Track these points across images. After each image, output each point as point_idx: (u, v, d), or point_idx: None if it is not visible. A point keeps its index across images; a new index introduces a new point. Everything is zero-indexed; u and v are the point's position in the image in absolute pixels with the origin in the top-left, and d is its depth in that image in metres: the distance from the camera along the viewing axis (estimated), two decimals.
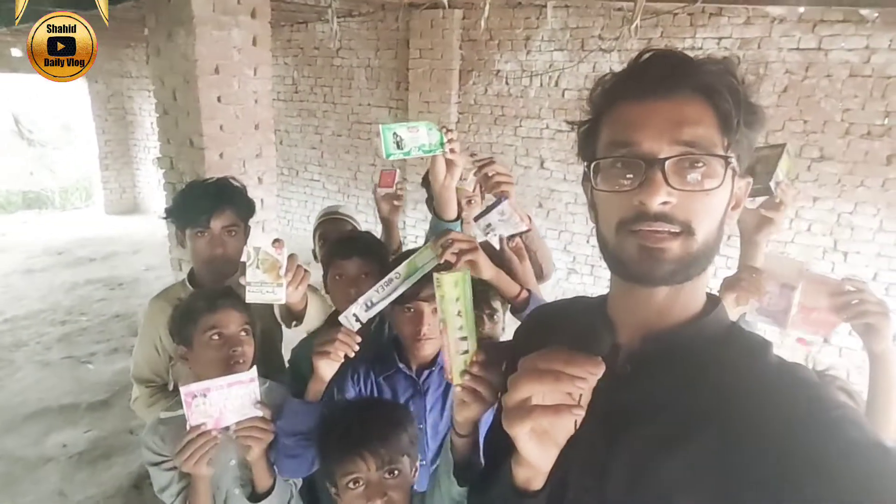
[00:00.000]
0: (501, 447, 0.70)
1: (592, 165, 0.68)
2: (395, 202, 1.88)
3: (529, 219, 1.73)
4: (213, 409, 1.16)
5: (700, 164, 0.62)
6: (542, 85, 5.32)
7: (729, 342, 0.69)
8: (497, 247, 1.63)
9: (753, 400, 0.61)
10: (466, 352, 0.88)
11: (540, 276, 1.79)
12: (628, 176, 0.63)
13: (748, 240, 1.35)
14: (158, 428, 1.35)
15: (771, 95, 4.25)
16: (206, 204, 1.62)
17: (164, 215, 1.74)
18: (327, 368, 1.23)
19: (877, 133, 4.00)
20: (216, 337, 1.33)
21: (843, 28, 3.94)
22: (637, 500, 0.64)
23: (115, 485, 3.07)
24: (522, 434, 0.61)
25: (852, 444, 0.55)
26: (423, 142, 1.35)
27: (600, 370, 0.57)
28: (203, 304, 1.34)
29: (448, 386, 1.38)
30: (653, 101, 0.63)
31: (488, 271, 1.28)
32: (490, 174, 1.54)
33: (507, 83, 5.51)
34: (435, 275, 0.91)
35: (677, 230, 0.62)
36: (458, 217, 1.55)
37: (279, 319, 1.56)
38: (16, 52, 7.23)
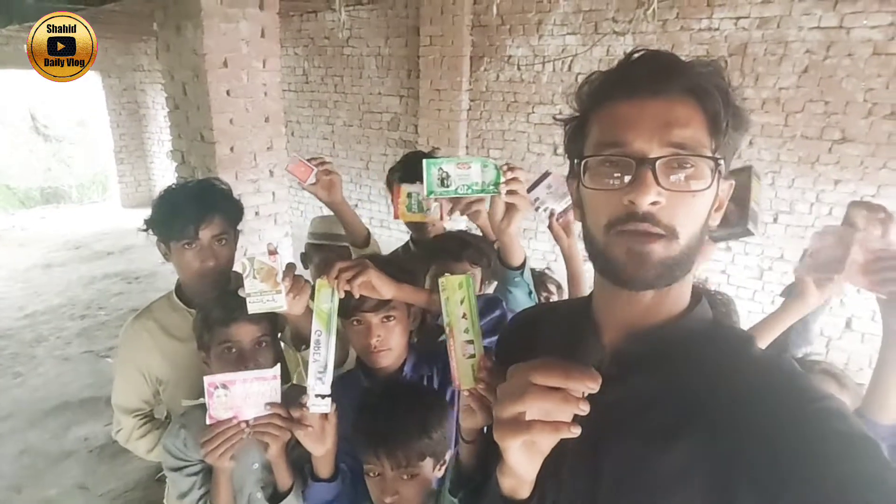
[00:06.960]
0: (491, 456, 0.71)
1: (581, 163, 0.68)
2: (326, 176, 1.56)
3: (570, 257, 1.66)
4: (233, 402, 1.17)
5: (689, 165, 0.62)
6: (554, 70, 5.22)
7: (712, 338, 0.70)
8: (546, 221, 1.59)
9: (739, 395, 0.62)
10: (473, 356, 0.86)
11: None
12: (617, 175, 0.63)
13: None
14: (180, 432, 1.34)
15: (791, 76, 4.13)
16: (193, 213, 1.46)
17: (144, 227, 1.55)
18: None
19: None
20: (229, 350, 1.31)
21: (866, 4, 3.79)
22: (629, 500, 0.65)
23: (135, 478, 3.12)
24: (514, 446, 0.61)
25: (837, 436, 0.56)
26: (475, 180, 1.18)
27: (597, 384, 0.57)
28: (219, 315, 1.31)
29: None
30: (643, 100, 0.63)
31: (388, 289, 1.20)
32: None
33: (519, 69, 5.42)
34: (440, 279, 0.89)
35: (662, 233, 0.62)
36: (523, 264, 1.40)
37: (289, 344, 1.44)
38: None
